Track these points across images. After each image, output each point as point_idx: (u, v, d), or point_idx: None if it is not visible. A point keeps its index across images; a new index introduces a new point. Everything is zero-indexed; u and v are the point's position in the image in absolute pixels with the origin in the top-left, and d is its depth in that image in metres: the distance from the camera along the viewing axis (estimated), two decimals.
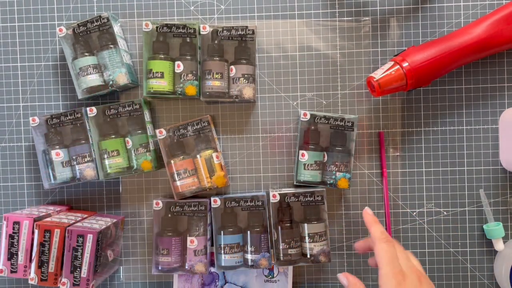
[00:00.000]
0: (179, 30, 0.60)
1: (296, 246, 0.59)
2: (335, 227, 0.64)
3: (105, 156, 0.60)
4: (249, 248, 0.59)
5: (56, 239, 0.56)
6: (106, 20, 0.60)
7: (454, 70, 0.63)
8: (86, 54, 0.60)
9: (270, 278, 0.63)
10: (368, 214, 0.51)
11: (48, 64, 0.65)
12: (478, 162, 0.63)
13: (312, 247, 0.59)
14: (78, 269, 0.56)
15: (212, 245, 0.64)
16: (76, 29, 0.61)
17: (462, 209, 0.63)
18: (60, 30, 0.60)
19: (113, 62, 0.60)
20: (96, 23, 0.61)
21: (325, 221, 0.60)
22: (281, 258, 0.59)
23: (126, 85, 0.60)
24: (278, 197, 0.59)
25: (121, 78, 0.60)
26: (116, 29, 0.61)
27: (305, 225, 0.59)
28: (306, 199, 0.60)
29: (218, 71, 0.59)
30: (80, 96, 0.61)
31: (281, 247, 0.59)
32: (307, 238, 0.59)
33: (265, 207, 0.60)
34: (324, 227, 0.60)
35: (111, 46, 0.60)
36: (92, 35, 0.62)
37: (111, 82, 0.60)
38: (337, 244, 0.64)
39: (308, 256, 0.59)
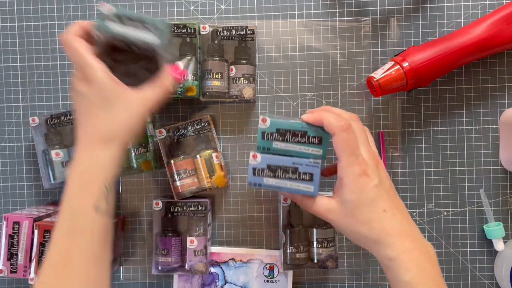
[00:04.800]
0: (179, 30, 0.60)
1: (304, 251, 0.59)
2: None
3: None
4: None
5: None
6: None
7: (454, 70, 0.63)
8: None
9: (270, 278, 0.63)
10: (310, 113, 0.45)
11: (48, 64, 0.65)
12: (478, 162, 0.63)
13: (320, 252, 0.59)
14: None
15: (212, 245, 0.64)
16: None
17: (462, 209, 0.63)
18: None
19: None
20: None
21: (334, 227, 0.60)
22: (289, 261, 0.59)
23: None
24: (289, 201, 0.59)
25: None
26: None
27: (314, 230, 0.59)
28: None
29: (218, 71, 0.59)
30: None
31: (289, 250, 0.59)
32: (315, 243, 0.59)
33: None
34: (333, 233, 0.59)
35: None
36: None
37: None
38: (338, 244, 0.64)
39: (316, 261, 0.59)
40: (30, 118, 0.60)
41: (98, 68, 0.44)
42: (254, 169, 0.46)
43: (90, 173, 0.43)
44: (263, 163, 0.46)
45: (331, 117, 0.43)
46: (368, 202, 0.42)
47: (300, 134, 0.45)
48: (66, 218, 0.42)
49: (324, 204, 0.45)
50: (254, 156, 0.46)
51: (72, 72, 0.45)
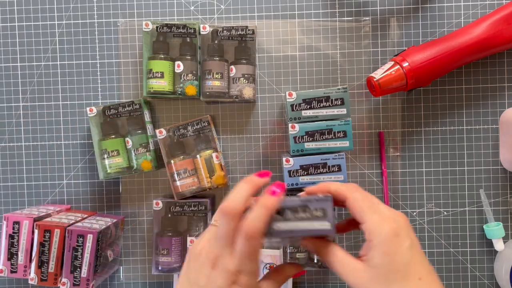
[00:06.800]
0: (179, 30, 0.60)
1: (304, 251, 0.59)
2: None
3: (105, 156, 0.60)
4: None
5: (56, 239, 0.56)
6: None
7: (454, 70, 0.63)
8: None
9: None
10: (313, 188, 0.41)
11: (48, 64, 0.65)
12: (478, 162, 0.63)
13: None
14: (78, 269, 0.55)
15: None
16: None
17: (462, 209, 0.63)
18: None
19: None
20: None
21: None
22: (288, 261, 0.59)
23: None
24: None
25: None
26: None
27: None
28: None
29: (218, 71, 0.59)
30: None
31: (289, 250, 0.59)
32: None
33: None
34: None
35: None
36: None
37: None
38: (337, 244, 0.64)
39: (316, 261, 0.59)
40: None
41: (253, 279, 0.38)
42: (289, 172, 0.53)
43: None
44: (296, 165, 0.53)
45: (337, 184, 0.41)
46: (402, 268, 0.37)
47: (324, 100, 0.52)
48: None
49: (349, 263, 0.39)
50: (287, 161, 0.53)
51: (222, 246, 0.38)
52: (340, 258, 0.39)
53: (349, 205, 0.39)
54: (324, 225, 0.40)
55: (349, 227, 0.43)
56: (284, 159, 0.53)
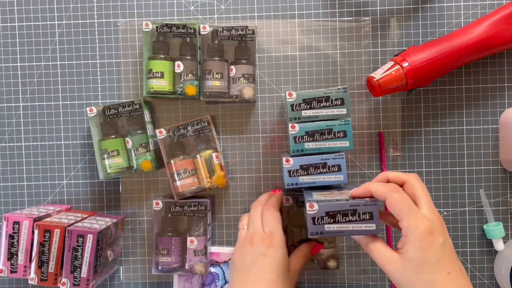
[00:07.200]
0: (179, 30, 0.60)
1: None
2: None
3: (105, 156, 0.60)
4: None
5: (56, 239, 0.56)
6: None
7: (454, 70, 0.63)
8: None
9: None
10: (357, 190, 0.48)
11: (48, 64, 0.65)
12: (478, 162, 0.63)
13: (321, 253, 0.59)
14: (78, 269, 0.55)
15: (212, 245, 0.64)
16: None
17: (462, 209, 0.63)
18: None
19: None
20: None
21: None
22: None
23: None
24: (291, 201, 0.59)
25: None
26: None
27: None
28: None
29: (218, 71, 0.59)
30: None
31: (289, 250, 0.59)
32: None
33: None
34: None
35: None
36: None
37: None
38: (339, 244, 0.64)
39: (315, 261, 0.59)
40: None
41: (283, 239, 0.51)
42: (289, 171, 0.53)
43: None
44: (296, 165, 0.53)
45: (377, 185, 0.46)
46: (433, 262, 0.42)
47: (324, 100, 0.52)
48: None
49: (385, 253, 0.45)
50: (287, 161, 0.53)
51: (254, 228, 0.52)
52: (378, 248, 0.45)
53: (388, 205, 0.44)
54: (370, 227, 0.46)
55: (386, 218, 0.50)
56: (284, 159, 0.53)
